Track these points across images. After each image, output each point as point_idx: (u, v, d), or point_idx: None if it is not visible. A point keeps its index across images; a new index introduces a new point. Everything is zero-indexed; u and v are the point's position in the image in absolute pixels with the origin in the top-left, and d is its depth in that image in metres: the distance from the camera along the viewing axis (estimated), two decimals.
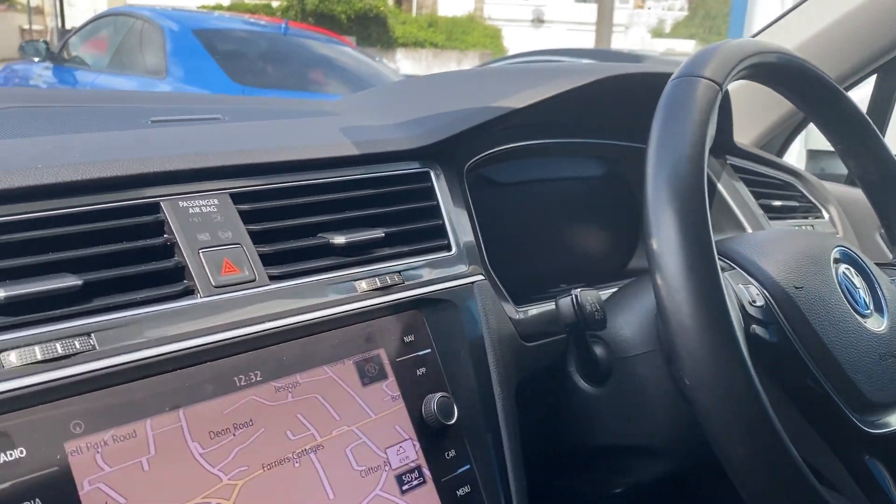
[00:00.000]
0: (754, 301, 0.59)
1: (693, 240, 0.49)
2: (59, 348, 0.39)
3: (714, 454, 0.56)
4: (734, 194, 0.90)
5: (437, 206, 0.62)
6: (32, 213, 0.42)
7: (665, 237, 0.49)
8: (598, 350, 0.67)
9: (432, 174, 0.63)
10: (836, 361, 0.58)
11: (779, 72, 0.64)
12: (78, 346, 0.39)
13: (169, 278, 0.46)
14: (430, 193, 0.63)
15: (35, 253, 0.42)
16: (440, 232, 0.61)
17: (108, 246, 0.44)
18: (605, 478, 0.73)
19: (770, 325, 0.59)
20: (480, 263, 0.64)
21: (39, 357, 0.38)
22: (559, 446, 0.72)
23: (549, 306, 0.72)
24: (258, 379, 0.46)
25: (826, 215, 1.02)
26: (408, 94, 0.85)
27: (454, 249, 0.61)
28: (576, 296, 0.60)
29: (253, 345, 0.46)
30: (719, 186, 0.90)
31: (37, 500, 0.36)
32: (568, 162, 0.91)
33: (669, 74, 0.56)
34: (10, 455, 0.36)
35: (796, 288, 0.60)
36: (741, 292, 0.58)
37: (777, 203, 0.97)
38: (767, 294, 0.60)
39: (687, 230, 0.50)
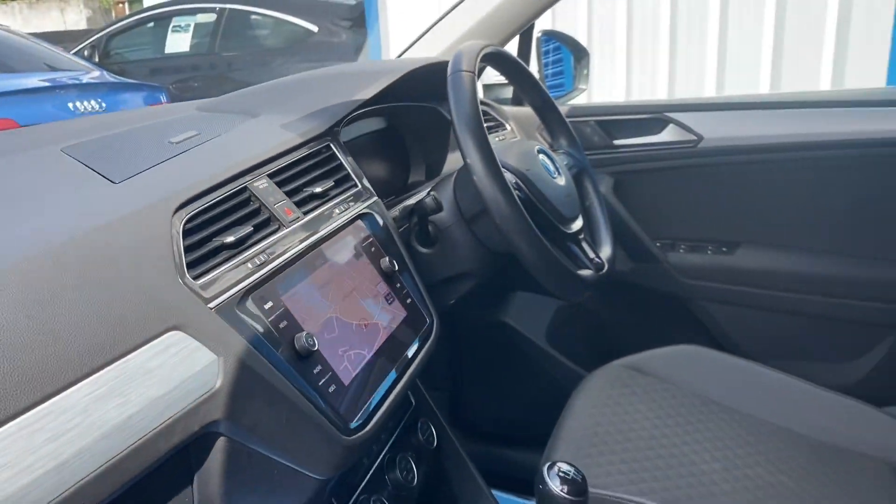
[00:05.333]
0: (511, 181, 1.12)
1: (486, 155, 0.97)
2: None
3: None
4: None
5: (342, 164, 1.04)
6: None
7: (473, 156, 0.98)
8: (429, 227, 1.16)
9: (332, 145, 1.00)
10: (549, 200, 1.11)
11: (493, 57, 1.16)
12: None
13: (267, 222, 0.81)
14: (335, 157, 0.99)
15: None
16: (348, 178, 1.04)
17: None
18: (444, 296, 1.16)
19: (519, 191, 1.12)
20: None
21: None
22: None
23: (401, 206, 1.18)
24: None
25: (508, 127, 1.53)
26: (294, 91, 1.14)
27: (360, 186, 1.05)
28: (433, 195, 1.08)
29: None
30: None
31: None
32: (367, 122, 1.31)
33: (443, 63, 1.04)
34: None
35: (527, 170, 1.15)
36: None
37: (492, 124, 1.49)
38: (515, 175, 1.13)
39: (483, 151, 0.98)
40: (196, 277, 0.68)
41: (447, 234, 1.13)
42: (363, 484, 0.93)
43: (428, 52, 1.49)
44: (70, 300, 0.57)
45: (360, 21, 5.74)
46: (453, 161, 1.42)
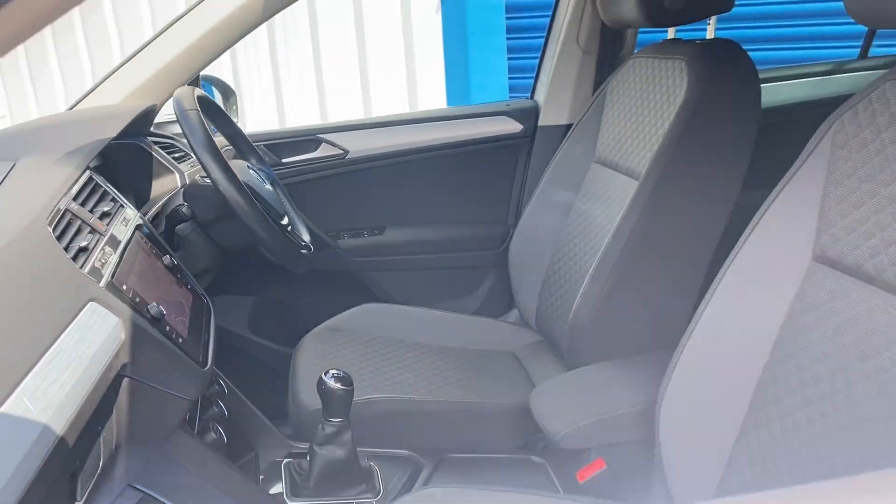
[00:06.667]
0: None
1: (227, 171, 1.33)
2: None
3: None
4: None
5: (107, 190, 1.27)
6: None
7: (216, 173, 1.32)
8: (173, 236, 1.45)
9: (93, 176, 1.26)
10: (267, 201, 1.52)
11: (199, 99, 1.48)
12: None
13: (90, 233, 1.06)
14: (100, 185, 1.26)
15: None
16: (117, 200, 1.27)
17: None
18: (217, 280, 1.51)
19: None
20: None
21: None
22: None
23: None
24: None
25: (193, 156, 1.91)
26: (39, 137, 1.31)
27: (126, 205, 1.29)
28: (186, 205, 1.37)
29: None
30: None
31: None
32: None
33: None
34: None
35: (247, 180, 1.50)
36: None
37: (180, 154, 1.80)
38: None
39: (221, 166, 1.33)
40: (81, 268, 0.93)
41: (188, 239, 1.44)
42: (198, 416, 1.21)
43: (106, 100, 1.72)
44: (26, 288, 0.81)
45: None
46: (160, 186, 1.69)
